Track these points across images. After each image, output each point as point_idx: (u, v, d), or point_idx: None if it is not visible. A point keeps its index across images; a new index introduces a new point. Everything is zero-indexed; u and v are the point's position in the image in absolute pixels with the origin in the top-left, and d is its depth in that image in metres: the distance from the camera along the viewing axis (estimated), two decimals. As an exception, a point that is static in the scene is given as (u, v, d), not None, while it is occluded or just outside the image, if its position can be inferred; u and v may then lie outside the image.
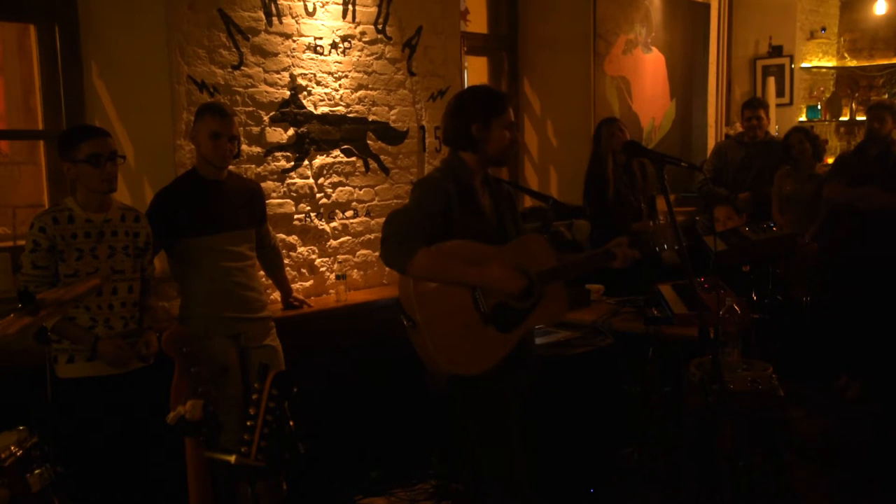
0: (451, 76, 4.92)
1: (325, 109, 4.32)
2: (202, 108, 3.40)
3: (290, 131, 4.18)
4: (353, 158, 4.49)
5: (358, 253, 4.57)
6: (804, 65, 7.48)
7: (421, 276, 2.69)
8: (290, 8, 4.14)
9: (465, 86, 5.39)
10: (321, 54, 4.28)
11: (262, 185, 3.84)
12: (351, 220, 4.52)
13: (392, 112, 4.65)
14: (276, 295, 4.01)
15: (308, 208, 4.30)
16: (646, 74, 6.46)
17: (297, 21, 4.17)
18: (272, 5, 4.06)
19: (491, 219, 2.91)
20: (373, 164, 4.58)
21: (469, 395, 2.87)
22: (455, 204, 2.78)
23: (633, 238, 3.07)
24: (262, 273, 3.79)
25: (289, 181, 4.20)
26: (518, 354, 2.88)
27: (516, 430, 2.88)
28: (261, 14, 4.02)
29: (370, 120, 4.54)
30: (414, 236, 2.68)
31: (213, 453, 2.02)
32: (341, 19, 4.36)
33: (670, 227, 2.95)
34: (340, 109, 4.39)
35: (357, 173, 4.51)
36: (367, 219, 4.59)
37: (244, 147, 3.98)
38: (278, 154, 4.14)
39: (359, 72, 4.45)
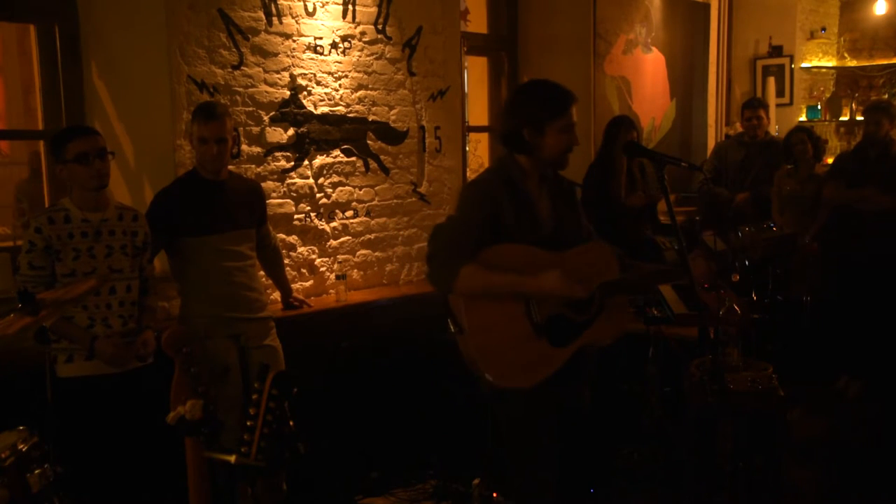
0: (451, 76, 4.92)
1: (325, 109, 4.32)
2: (193, 111, 3.40)
3: (290, 131, 4.18)
4: (353, 158, 4.48)
5: (358, 253, 4.57)
6: (804, 65, 7.47)
7: (470, 293, 2.53)
8: (290, 8, 4.14)
9: (465, 86, 5.38)
10: (321, 54, 4.28)
11: (262, 185, 3.84)
12: (351, 220, 4.51)
13: (392, 112, 4.64)
14: (276, 295, 4.01)
15: (308, 208, 4.30)
16: (646, 74, 6.45)
17: (297, 21, 4.17)
18: (272, 5, 4.06)
19: (547, 223, 2.71)
20: (373, 164, 4.58)
21: (502, 399, 2.71)
22: (506, 209, 2.61)
23: (707, 252, 2.97)
24: (262, 273, 3.79)
25: (289, 181, 4.20)
26: (572, 367, 2.68)
27: (550, 443, 2.71)
28: (261, 14, 4.02)
29: (370, 120, 4.54)
30: (458, 253, 2.51)
31: (213, 453, 2.02)
32: (341, 19, 4.36)
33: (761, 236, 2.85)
34: (340, 109, 4.39)
35: (357, 173, 4.51)
36: (367, 219, 4.59)
37: (244, 147, 3.98)
38: (278, 154, 4.14)
39: (359, 72, 4.45)
